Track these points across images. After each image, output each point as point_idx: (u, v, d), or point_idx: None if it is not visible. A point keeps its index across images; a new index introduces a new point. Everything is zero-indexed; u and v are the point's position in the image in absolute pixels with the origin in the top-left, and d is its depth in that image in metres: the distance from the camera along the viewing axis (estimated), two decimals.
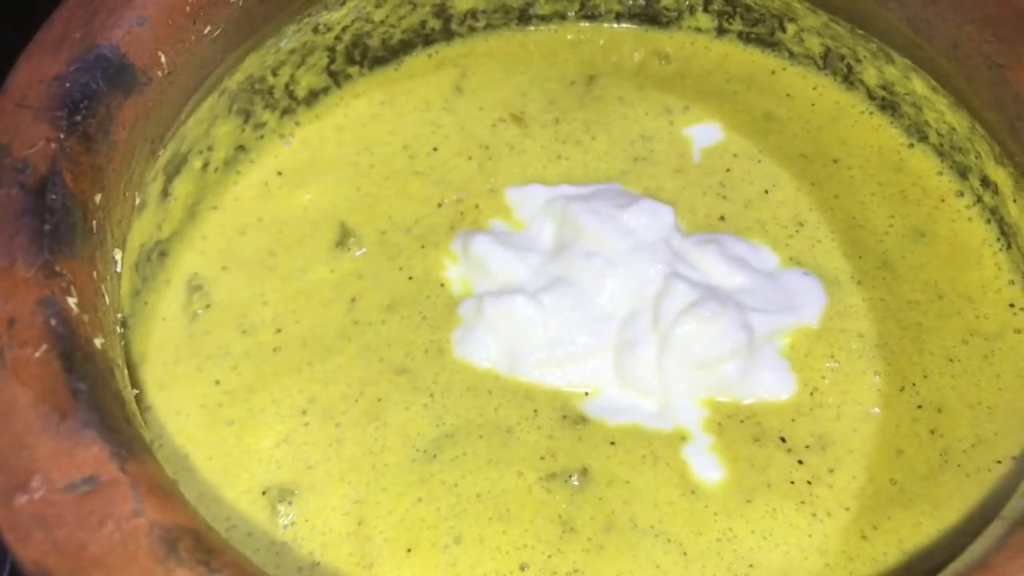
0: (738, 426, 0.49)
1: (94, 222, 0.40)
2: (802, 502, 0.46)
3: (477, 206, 0.56)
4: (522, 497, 0.47)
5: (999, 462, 0.47)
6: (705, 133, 0.59)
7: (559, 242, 0.54)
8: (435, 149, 0.59)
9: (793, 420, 0.49)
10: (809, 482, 0.47)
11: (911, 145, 0.57)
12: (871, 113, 0.58)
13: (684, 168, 0.57)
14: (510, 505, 0.47)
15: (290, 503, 0.47)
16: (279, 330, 0.52)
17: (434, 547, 0.45)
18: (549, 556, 0.45)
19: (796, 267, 0.53)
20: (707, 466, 0.48)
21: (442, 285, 0.54)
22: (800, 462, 0.48)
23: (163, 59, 0.44)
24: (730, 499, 0.47)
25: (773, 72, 0.61)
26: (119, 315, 0.44)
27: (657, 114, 0.60)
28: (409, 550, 0.45)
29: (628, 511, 0.46)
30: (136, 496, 0.32)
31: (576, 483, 0.47)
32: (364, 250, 0.55)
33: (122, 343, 0.44)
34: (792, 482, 0.47)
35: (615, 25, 0.63)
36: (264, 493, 0.47)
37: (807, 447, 0.48)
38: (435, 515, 0.46)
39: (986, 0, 0.44)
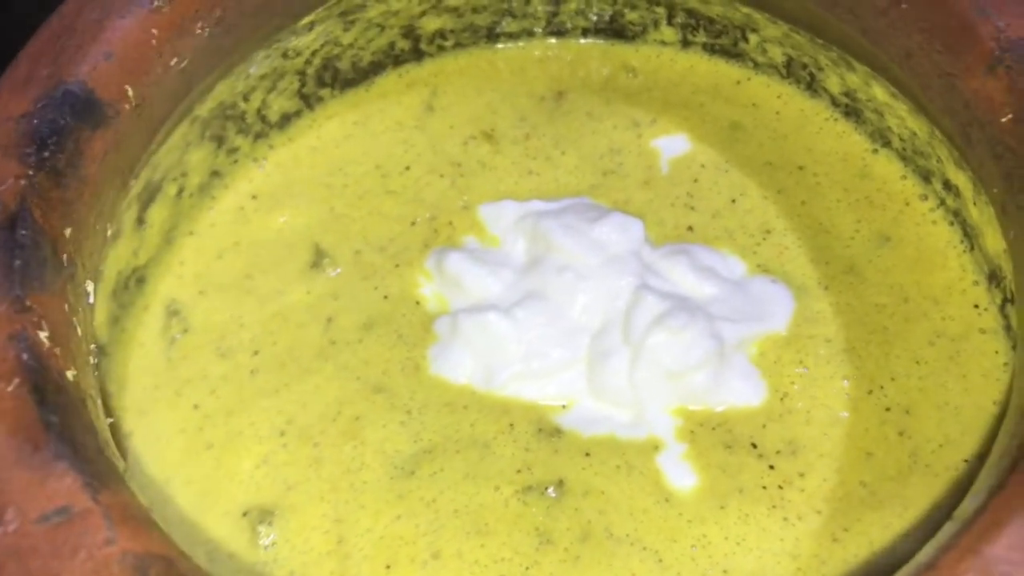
0: (710, 433, 0.50)
1: (64, 256, 0.41)
2: (774, 506, 0.47)
3: (450, 223, 0.57)
4: (499, 511, 0.47)
5: (966, 461, 0.48)
6: (672, 144, 0.60)
7: (532, 257, 0.54)
8: (407, 168, 0.59)
9: (764, 426, 0.50)
10: (780, 487, 0.48)
11: (875, 151, 0.58)
12: (835, 120, 0.59)
13: (652, 180, 0.58)
14: (487, 519, 0.47)
15: (270, 524, 0.47)
16: (256, 352, 0.53)
17: (413, 563, 0.46)
18: (527, 568, 0.46)
19: (764, 274, 0.54)
20: (681, 474, 0.48)
21: (417, 303, 0.54)
22: (771, 467, 0.48)
23: (130, 92, 0.45)
24: (704, 506, 0.47)
25: (738, 82, 0.62)
26: (94, 345, 0.45)
27: (625, 127, 0.60)
28: (388, 567, 0.46)
29: (604, 521, 0.47)
30: (109, 525, 0.33)
31: (552, 495, 0.48)
32: (339, 270, 0.55)
33: (96, 373, 0.44)
34: (764, 487, 0.48)
35: (582, 40, 0.64)
36: (245, 515, 0.48)
37: (778, 452, 0.49)
38: (414, 531, 0.47)
39: (933, 11, 0.45)
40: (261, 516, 0.48)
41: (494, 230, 0.56)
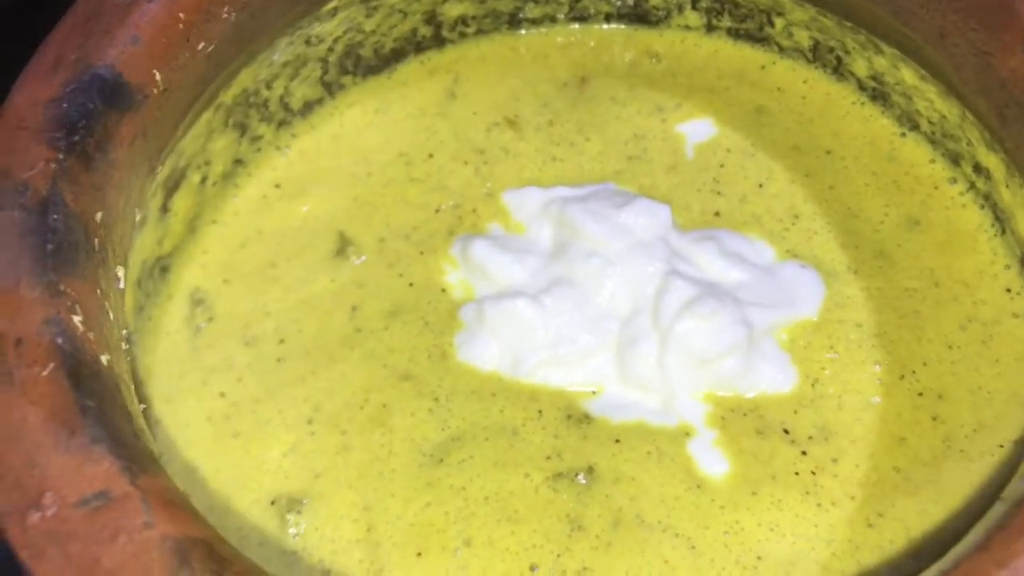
0: (741, 420, 0.49)
1: (96, 240, 0.40)
2: (807, 492, 0.47)
3: (475, 211, 0.57)
4: (529, 498, 0.47)
5: (1001, 446, 0.47)
6: (698, 129, 0.59)
7: (557, 244, 0.54)
8: (431, 155, 0.59)
9: (795, 412, 0.49)
10: (813, 472, 0.47)
11: (903, 134, 0.57)
12: (862, 104, 0.59)
13: (678, 165, 0.58)
14: (518, 506, 0.47)
15: (299, 512, 0.47)
16: (282, 340, 0.52)
17: (444, 551, 0.46)
18: (558, 555, 0.46)
19: (793, 260, 0.54)
20: (712, 460, 0.48)
21: (443, 290, 0.54)
22: (804, 453, 0.48)
23: (158, 76, 0.45)
24: (736, 492, 0.47)
25: (763, 67, 0.61)
26: (124, 331, 0.45)
27: (649, 113, 0.60)
28: (419, 554, 0.46)
29: (635, 507, 0.47)
30: (147, 509, 0.33)
31: (583, 482, 0.47)
32: (364, 258, 0.55)
33: (128, 359, 0.44)
34: (796, 473, 0.47)
35: (605, 26, 0.64)
36: (273, 503, 0.47)
37: (810, 438, 0.48)
38: (444, 519, 0.47)
39: None
40: (290, 504, 0.47)
41: (518, 217, 0.56)
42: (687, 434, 0.49)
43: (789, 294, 0.53)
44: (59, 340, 0.36)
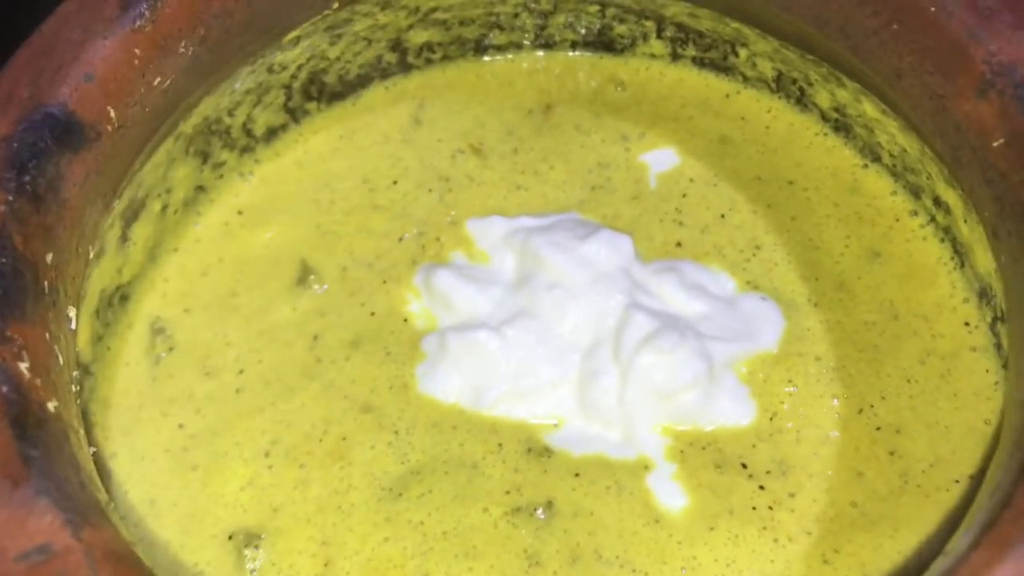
0: (700, 453, 0.49)
1: (46, 282, 0.40)
2: (764, 528, 0.47)
3: (438, 239, 0.56)
4: (488, 533, 0.47)
5: (957, 481, 0.47)
6: (661, 159, 0.59)
7: (521, 274, 0.54)
8: (395, 182, 0.59)
9: (754, 446, 0.49)
10: (771, 507, 0.47)
11: (865, 166, 0.58)
12: (825, 135, 0.59)
13: (641, 195, 0.58)
14: (476, 542, 0.47)
15: (256, 547, 0.47)
16: (241, 371, 0.52)
17: None
18: None
19: (754, 291, 0.54)
20: (671, 494, 0.48)
21: (405, 320, 0.54)
22: (761, 487, 0.48)
23: (112, 113, 0.44)
24: (693, 527, 0.47)
25: (727, 96, 0.61)
26: (77, 369, 0.44)
27: (614, 141, 0.60)
28: None
29: (593, 543, 0.47)
30: (90, 564, 0.32)
31: (542, 516, 0.47)
32: (325, 287, 0.55)
33: (79, 400, 0.44)
34: (754, 508, 0.47)
35: (571, 53, 0.64)
36: (231, 538, 0.47)
37: (768, 472, 0.48)
38: (402, 554, 0.47)
39: (925, 32, 0.45)
40: (247, 539, 0.47)
41: (482, 246, 0.56)
42: (646, 467, 0.49)
43: (749, 327, 0.53)
44: (4, 388, 0.36)
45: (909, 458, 0.48)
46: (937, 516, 0.47)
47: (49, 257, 0.41)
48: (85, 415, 0.48)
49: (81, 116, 0.43)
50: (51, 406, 0.37)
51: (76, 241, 0.43)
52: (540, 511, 0.48)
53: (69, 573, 0.32)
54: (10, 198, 0.40)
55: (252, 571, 0.46)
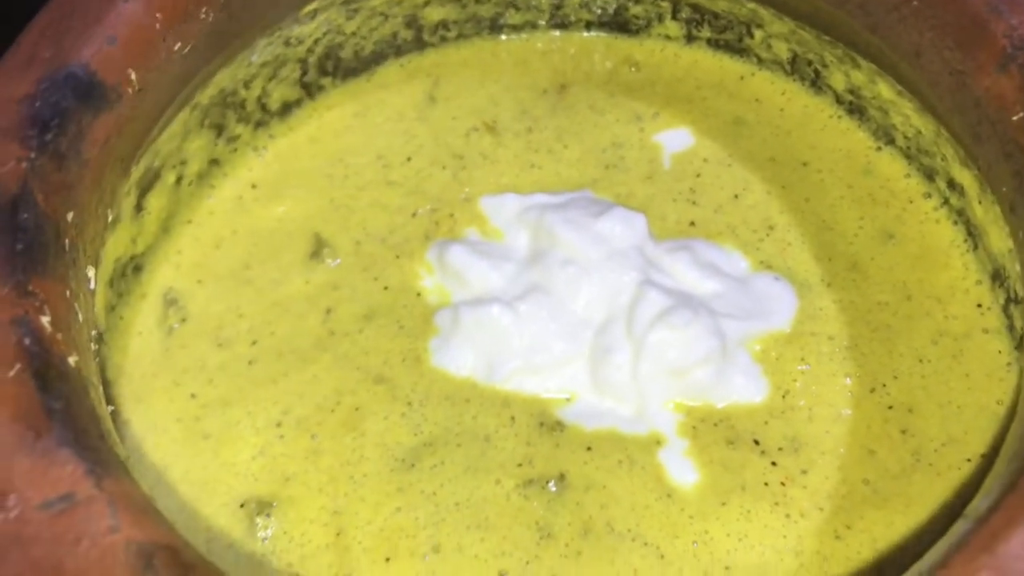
0: (712, 429, 0.49)
1: (67, 240, 0.40)
2: (776, 503, 0.47)
3: (452, 215, 0.57)
4: (500, 504, 0.47)
5: (968, 460, 0.48)
6: (675, 139, 0.59)
7: (534, 251, 0.54)
8: (409, 159, 0.59)
9: (766, 423, 0.49)
10: (783, 483, 0.47)
11: (879, 148, 0.58)
12: (839, 117, 0.59)
13: (655, 175, 0.58)
14: (488, 513, 0.47)
15: (268, 515, 0.47)
16: (254, 342, 0.52)
17: (413, 556, 0.46)
18: (527, 563, 0.46)
19: (767, 271, 0.54)
20: (682, 469, 0.48)
21: (418, 295, 0.54)
22: (774, 464, 0.48)
23: (133, 76, 0.44)
24: (705, 502, 0.47)
25: (742, 78, 0.62)
26: (95, 331, 0.44)
27: (628, 121, 0.60)
28: (388, 559, 0.46)
29: (605, 516, 0.47)
30: (112, 513, 0.33)
31: (553, 489, 0.47)
32: (339, 261, 0.55)
33: (97, 359, 0.44)
34: (766, 484, 0.47)
35: (585, 34, 0.64)
36: (242, 506, 0.47)
37: (780, 449, 0.48)
38: (414, 524, 0.47)
39: (945, 8, 0.45)
40: (259, 507, 0.47)
41: (496, 222, 0.56)
42: (658, 443, 0.49)
43: (762, 306, 0.53)
44: (26, 341, 0.36)
45: (921, 437, 0.49)
46: (948, 494, 0.47)
47: (70, 216, 0.41)
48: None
49: (103, 77, 0.43)
50: (72, 361, 0.37)
51: (96, 202, 0.43)
52: (552, 484, 0.48)
53: (92, 521, 0.32)
54: (32, 155, 0.40)
55: (264, 539, 0.46)
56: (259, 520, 0.47)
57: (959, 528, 0.34)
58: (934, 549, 0.35)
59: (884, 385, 0.50)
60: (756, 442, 0.49)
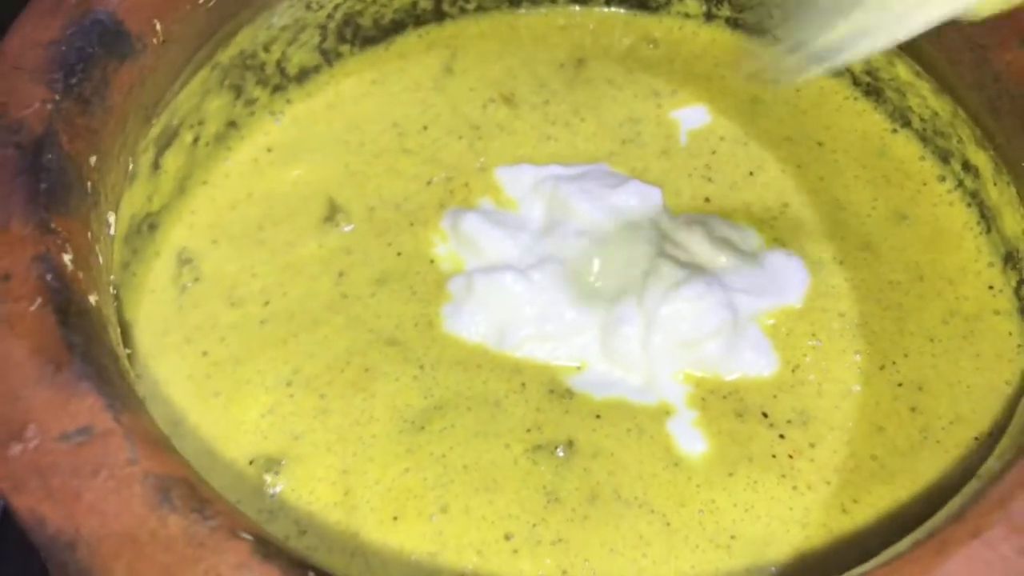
0: (721, 401, 0.49)
1: (89, 183, 0.40)
2: (783, 475, 0.47)
3: (467, 184, 0.57)
4: (508, 468, 0.47)
5: (976, 439, 0.48)
6: (692, 116, 0.59)
7: (549, 221, 0.54)
8: (425, 128, 0.59)
9: (775, 396, 0.50)
10: (790, 456, 0.48)
11: (894, 130, 0.58)
12: (855, 99, 0.59)
13: (671, 150, 0.58)
14: (496, 476, 0.47)
15: (277, 473, 0.47)
16: (267, 302, 0.52)
17: (420, 516, 0.46)
18: (534, 526, 0.46)
19: (780, 248, 0.54)
20: (691, 440, 0.48)
21: (431, 262, 0.54)
22: (782, 436, 0.48)
23: (158, 27, 0.45)
24: (712, 471, 0.47)
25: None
26: (112, 278, 0.44)
27: (645, 97, 0.60)
28: (396, 518, 0.46)
29: (612, 482, 0.47)
30: (131, 446, 0.33)
31: (561, 455, 0.48)
32: (352, 226, 0.55)
33: (115, 304, 0.44)
34: (774, 456, 0.48)
35: (605, 9, 0.64)
36: (251, 463, 0.47)
37: (788, 422, 0.49)
38: (422, 485, 0.47)
39: None
40: (268, 465, 0.47)
41: (511, 192, 0.56)
42: (667, 413, 0.49)
43: (774, 281, 0.53)
44: (48, 277, 0.36)
45: (929, 414, 0.49)
46: (956, 471, 0.47)
47: (93, 160, 0.41)
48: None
49: (128, 26, 0.43)
50: (92, 299, 0.38)
51: (118, 149, 0.43)
52: (560, 449, 0.48)
53: (110, 455, 0.32)
54: (57, 98, 0.40)
55: (272, 496, 0.47)
56: (268, 477, 0.47)
57: (972, 487, 0.34)
58: (948, 505, 0.35)
59: (894, 363, 0.50)
60: (764, 415, 0.49)
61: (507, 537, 0.45)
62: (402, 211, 0.56)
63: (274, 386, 0.50)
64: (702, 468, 0.47)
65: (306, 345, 0.51)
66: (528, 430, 0.48)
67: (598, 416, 0.49)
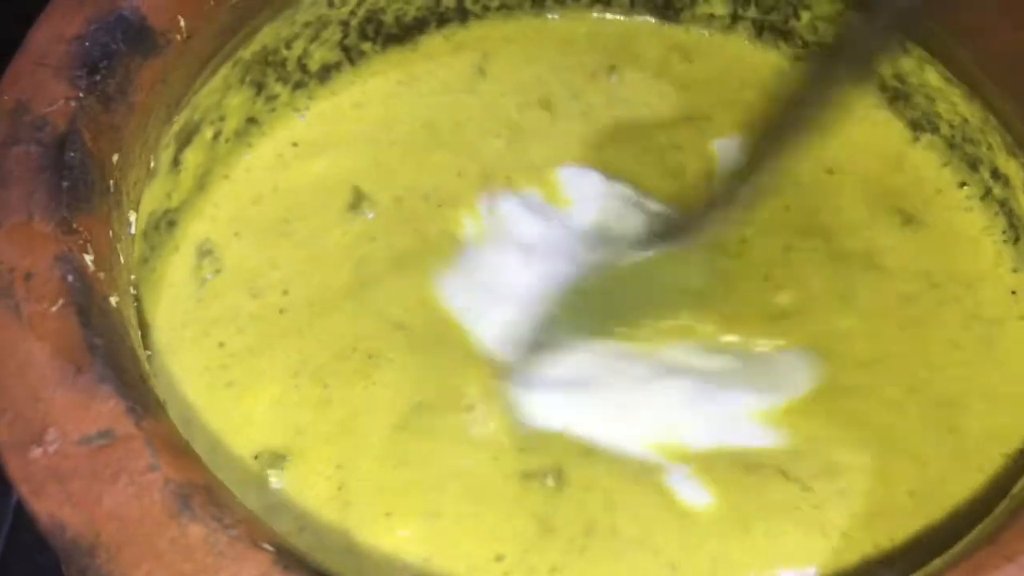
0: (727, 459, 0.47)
1: (111, 181, 0.40)
2: (809, 526, 0.44)
3: (508, 177, 0.56)
4: (499, 486, 0.46)
5: (1006, 454, 0.46)
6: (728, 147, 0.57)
7: (597, 232, 0.54)
8: (459, 125, 0.58)
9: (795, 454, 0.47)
10: (816, 508, 0.45)
11: (915, 139, 0.57)
12: (878, 108, 0.58)
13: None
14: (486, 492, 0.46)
15: (280, 468, 0.46)
16: (286, 291, 0.51)
17: (412, 515, 0.45)
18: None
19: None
20: (693, 491, 0.45)
21: (456, 241, 0.53)
22: (806, 489, 0.45)
23: (182, 23, 0.44)
24: (724, 523, 0.44)
25: None
26: (132, 277, 0.44)
27: (683, 122, 0.58)
28: (388, 515, 0.45)
29: (609, 519, 0.45)
30: (151, 452, 0.32)
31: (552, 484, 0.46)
32: (375, 213, 0.54)
33: (135, 304, 0.44)
34: (797, 508, 0.45)
35: (630, 18, 0.63)
36: (256, 458, 0.46)
37: (813, 476, 0.46)
38: (415, 481, 0.46)
39: None
40: (272, 460, 0.46)
41: (568, 193, 0.55)
42: (661, 469, 0.46)
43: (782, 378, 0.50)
44: (70, 277, 0.36)
45: (963, 432, 0.47)
46: (988, 491, 0.44)
47: (115, 158, 0.41)
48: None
49: (153, 22, 0.43)
50: (113, 300, 0.37)
51: (140, 147, 0.43)
52: (550, 478, 0.46)
53: (130, 459, 0.32)
54: (81, 95, 0.40)
55: (274, 490, 0.45)
56: (271, 472, 0.46)
57: (1005, 507, 0.34)
58: (980, 527, 0.34)
59: (923, 380, 0.48)
60: (783, 472, 0.46)
61: (498, 558, 0.44)
62: (431, 201, 0.55)
63: (283, 376, 0.48)
64: (709, 519, 0.44)
65: (319, 333, 0.50)
66: (521, 450, 0.46)
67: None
